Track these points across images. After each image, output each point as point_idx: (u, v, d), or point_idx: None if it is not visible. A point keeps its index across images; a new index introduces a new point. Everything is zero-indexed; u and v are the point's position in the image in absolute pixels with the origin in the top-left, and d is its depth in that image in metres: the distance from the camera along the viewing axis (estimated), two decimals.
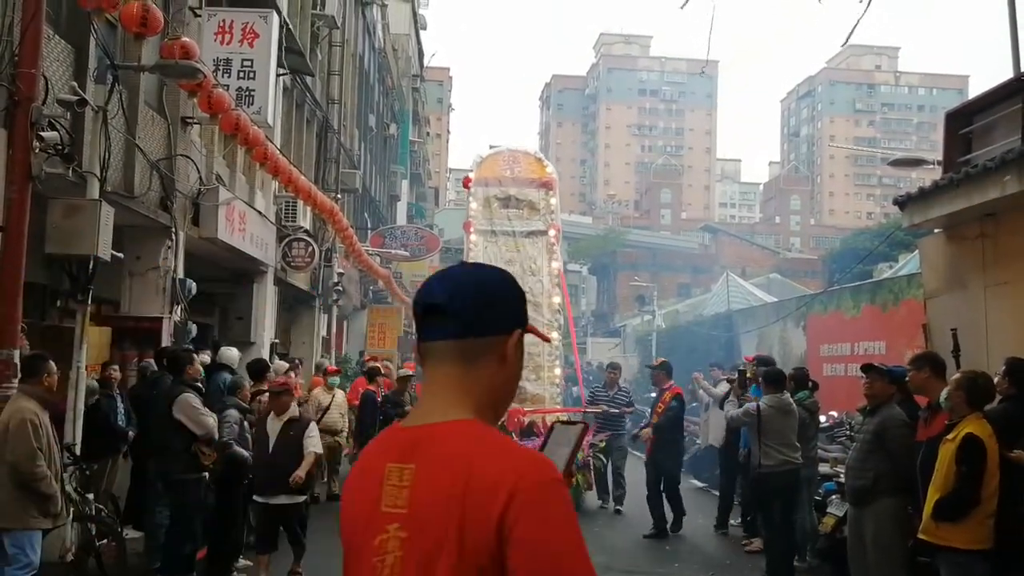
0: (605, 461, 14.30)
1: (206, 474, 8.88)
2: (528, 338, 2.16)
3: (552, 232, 15.93)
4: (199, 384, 9.31)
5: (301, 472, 8.89)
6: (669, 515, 12.62)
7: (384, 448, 2.05)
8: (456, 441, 1.93)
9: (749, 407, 10.02)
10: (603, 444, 14.23)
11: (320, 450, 9.42)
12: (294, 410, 9.22)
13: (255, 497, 9.21)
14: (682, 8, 9.60)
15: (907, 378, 7.60)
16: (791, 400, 10.12)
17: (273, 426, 9.08)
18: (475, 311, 2.03)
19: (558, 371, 15.60)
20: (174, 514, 8.84)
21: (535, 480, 1.85)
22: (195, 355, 9.45)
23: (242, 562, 9.94)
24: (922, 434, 7.03)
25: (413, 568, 1.87)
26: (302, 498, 9.19)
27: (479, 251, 15.71)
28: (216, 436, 8.80)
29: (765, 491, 9.94)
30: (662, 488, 12.78)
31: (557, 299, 15.61)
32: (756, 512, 11.21)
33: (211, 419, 8.78)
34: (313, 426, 9.42)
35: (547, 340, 2.27)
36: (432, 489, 1.89)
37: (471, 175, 16.35)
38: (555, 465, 1.97)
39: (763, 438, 9.70)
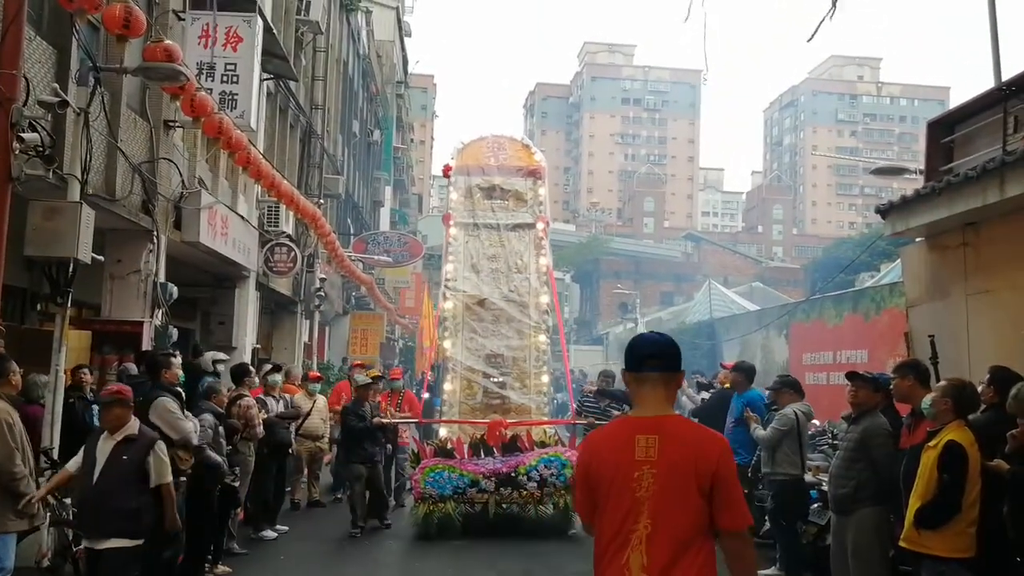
0: None
1: (183, 479, 8.75)
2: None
3: (540, 225, 14.52)
4: (178, 388, 9.17)
5: (168, 522, 7.23)
6: None
7: (628, 428, 3.86)
8: (679, 424, 3.87)
9: (785, 415, 9.80)
10: None
11: (169, 479, 7.27)
12: (132, 427, 7.12)
13: (83, 542, 7.37)
14: (685, 21, 9.62)
15: (891, 386, 7.61)
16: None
17: (103, 447, 7.01)
18: (673, 357, 3.93)
19: (545, 379, 14.12)
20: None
21: (727, 444, 3.89)
22: (173, 359, 9.28)
23: (221, 568, 9.89)
24: (905, 442, 7.04)
25: (663, 488, 3.67)
26: (137, 542, 7.02)
27: (459, 246, 14.43)
28: (193, 441, 8.70)
29: (800, 500, 9.81)
30: None
31: (545, 298, 14.19)
32: (774, 521, 10.75)
33: (187, 424, 8.62)
34: (160, 447, 7.26)
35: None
36: (674, 448, 3.72)
37: (451, 162, 14.88)
38: None
39: (803, 447, 9.67)
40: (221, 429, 9.69)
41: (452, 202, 14.82)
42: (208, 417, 9.31)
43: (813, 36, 11.61)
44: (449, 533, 11.97)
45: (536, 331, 13.93)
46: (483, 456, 12.67)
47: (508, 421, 13.14)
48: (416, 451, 13.27)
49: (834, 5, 9.37)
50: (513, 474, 12.22)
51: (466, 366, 13.78)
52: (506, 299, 14.03)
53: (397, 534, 12.54)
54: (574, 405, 14.79)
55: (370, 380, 13.62)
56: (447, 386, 13.92)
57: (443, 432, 13.77)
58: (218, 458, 9.22)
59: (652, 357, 3.88)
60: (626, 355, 3.98)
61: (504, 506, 12.26)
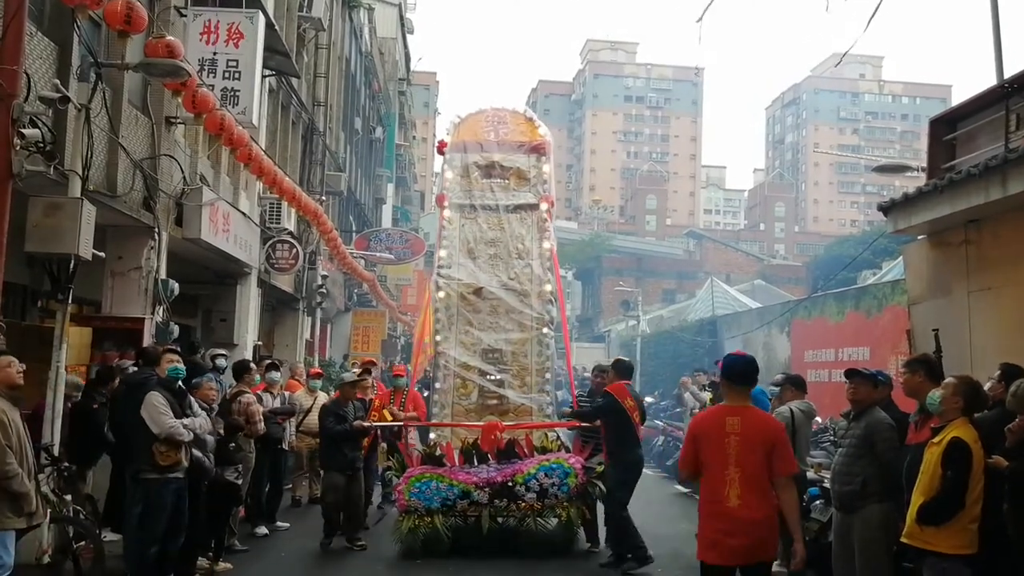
0: (604, 490, 11.19)
1: (177, 475, 8.55)
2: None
3: (544, 206, 13.13)
4: (180, 385, 9.05)
5: None
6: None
7: (722, 412, 6.30)
8: (753, 411, 6.30)
9: (781, 412, 9.66)
10: (601, 468, 11.29)
11: None
12: None
13: None
14: (698, 21, 9.66)
15: (902, 382, 7.60)
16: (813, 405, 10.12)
17: None
18: (755, 376, 6.44)
19: (548, 376, 12.69)
20: (140, 514, 8.52)
21: (781, 424, 6.98)
22: (167, 354, 9.14)
23: (222, 565, 9.89)
24: (912, 438, 7.02)
25: (743, 449, 6.01)
26: None
27: (454, 230, 13.12)
28: (181, 437, 8.47)
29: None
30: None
31: (549, 287, 12.82)
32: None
33: (167, 419, 8.39)
34: None
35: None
36: (751, 424, 6.13)
37: (448, 138, 13.58)
38: None
39: (798, 444, 9.59)
40: (208, 425, 9.55)
41: (447, 181, 13.51)
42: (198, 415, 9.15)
43: (847, 51, 11.63)
44: (437, 550, 10.82)
45: (538, 323, 12.66)
46: (476, 464, 11.50)
47: (505, 424, 11.87)
48: (402, 459, 11.95)
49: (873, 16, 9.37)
50: (509, 484, 11.04)
51: (460, 362, 12.54)
52: (505, 288, 12.81)
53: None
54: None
55: (356, 378, 12.43)
56: (439, 385, 12.65)
57: (432, 436, 12.65)
58: (199, 454, 9.03)
59: (744, 374, 6.37)
60: (725, 370, 6.44)
61: (500, 520, 11.10)
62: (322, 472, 12.06)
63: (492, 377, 12.51)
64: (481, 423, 11.96)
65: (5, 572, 6.69)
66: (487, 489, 11.01)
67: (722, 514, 6.08)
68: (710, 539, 6.21)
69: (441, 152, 13.74)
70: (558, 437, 12.30)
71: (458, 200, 13.26)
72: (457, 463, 11.49)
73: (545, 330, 12.69)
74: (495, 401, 12.45)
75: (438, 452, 11.75)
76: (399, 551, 11.03)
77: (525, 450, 11.58)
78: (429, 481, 11.06)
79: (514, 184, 13.28)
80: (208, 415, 9.51)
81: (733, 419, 6.15)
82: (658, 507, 10.86)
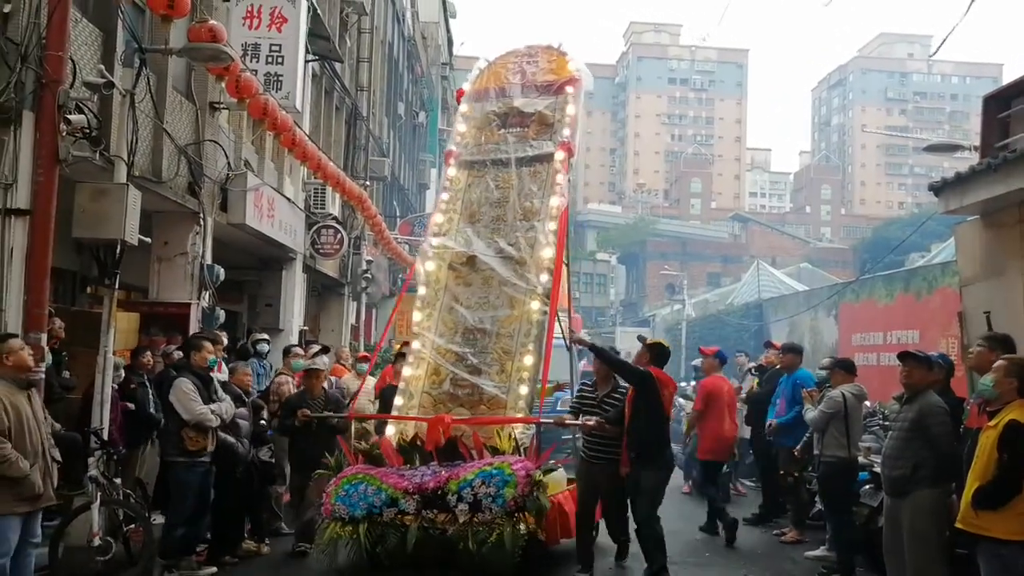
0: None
1: (204, 459, 8.69)
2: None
3: (560, 155, 11.03)
4: (207, 372, 9.00)
5: None
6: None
7: (720, 380, 12.21)
8: (722, 380, 12.38)
9: (833, 396, 9.55)
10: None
11: None
12: None
13: None
14: (826, 5, 9.49)
15: (973, 354, 7.46)
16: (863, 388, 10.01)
17: None
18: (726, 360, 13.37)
19: (529, 360, 10.02)
20: (171, 497, 8.72)
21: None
22: (205, 342, 9.14)
23: (266, 548, 9.91)
24: (973, 422, 6.89)
25: (730, 398, 12.22)
26: None
27: (458, 190, 11.37)
28: (209, 423, 8.58)
29: (848, 482, 9.58)
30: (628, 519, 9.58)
31: (548, 251, 10.44)
32: (823, 503, 10.20)
33: (197, 405, 8.49)
34: None
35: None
36: (726, 387, 12.29)
37: (469, 86, 12.03)
38: None
39: (850, 428, 9.49)
40: (243, 410, 9.52)
41: (459, 136, 11.77)
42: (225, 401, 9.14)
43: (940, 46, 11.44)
44: (357, 565, 9.03)
45: (530, 296, 10.35)
46: (418, 464, 9.34)
47: (453, 416, 9.68)
48: (343, 456, 9.97)
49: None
50: (441, 491, 8.75)
51: (436, 345, 10.44)
52: (501, 256, 10.69)
53: None
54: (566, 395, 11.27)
55: (316, 367, 11.01)
56: (407, 371, 10.53)
57: (390, 430, 10.30)
58: (230, 438, 9.09)
59: (722, 360, 12.75)
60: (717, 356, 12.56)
61: (433, 532, 8.66)
62: (293, 471, 10.62)
63: (468, 362, 10.28)
64: (429, 417, 9.85)
65: (4, 558, 6.63)
66: (416, 497, 8.81)
67: (720, 432, 11.70)
68: (707, 447, 11.87)
69: (458, 101, 12.28)
70: (511, 436, 9.57)
71: (468, 157, 11.59)
72: (395, 463, 9.45)
73: (535, 305, 10.30)
74: (467, 391, 10.16)
75: (376, 451, 9.82)
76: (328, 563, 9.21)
77: (471, 451, 9.30)
78: (359, 484, 9.05)
79: (533, 132, 11.42)
80: (245, 400, 9.56)
81: (725, 384, 12.11)
82: (667, 502, 9.98)
